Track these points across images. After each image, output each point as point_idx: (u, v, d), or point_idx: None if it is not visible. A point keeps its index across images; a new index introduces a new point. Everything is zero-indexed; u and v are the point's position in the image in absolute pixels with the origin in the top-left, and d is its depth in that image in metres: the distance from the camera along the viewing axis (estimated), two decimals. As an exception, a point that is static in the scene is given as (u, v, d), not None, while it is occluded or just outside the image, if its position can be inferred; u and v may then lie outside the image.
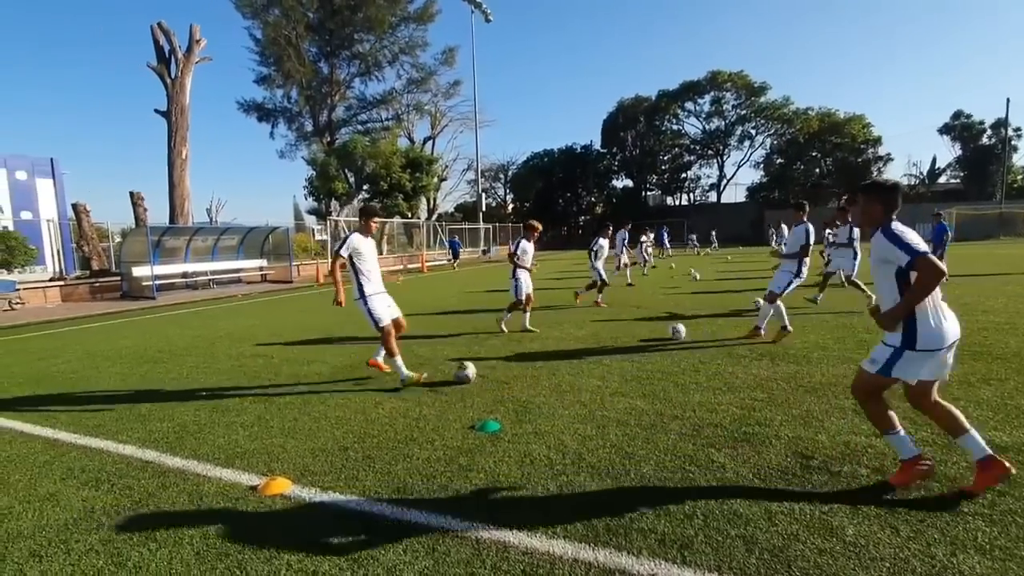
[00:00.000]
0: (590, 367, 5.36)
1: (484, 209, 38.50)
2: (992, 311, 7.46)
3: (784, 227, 26.52)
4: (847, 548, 2.17)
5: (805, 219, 6.28)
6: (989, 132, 43.09)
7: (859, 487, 2.68)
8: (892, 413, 2.68)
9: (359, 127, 37.26)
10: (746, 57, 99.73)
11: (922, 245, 2.43)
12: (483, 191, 41.78)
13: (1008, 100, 38.56)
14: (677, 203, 55.60)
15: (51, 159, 19.56)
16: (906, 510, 2.44)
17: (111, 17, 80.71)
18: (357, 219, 5.02)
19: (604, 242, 10.27)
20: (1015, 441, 3.13)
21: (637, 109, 50.94)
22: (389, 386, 4.91)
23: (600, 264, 10.00)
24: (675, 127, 52.34)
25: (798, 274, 6.16)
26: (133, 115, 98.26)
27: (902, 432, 2.65)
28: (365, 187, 31.40)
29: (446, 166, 42.69)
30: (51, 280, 16.15)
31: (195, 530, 2.52)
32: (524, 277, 7.33)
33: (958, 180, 46.52)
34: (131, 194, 19.90)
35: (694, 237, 32.10)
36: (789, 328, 6.11)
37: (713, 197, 52.93)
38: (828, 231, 12.00)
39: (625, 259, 13.63)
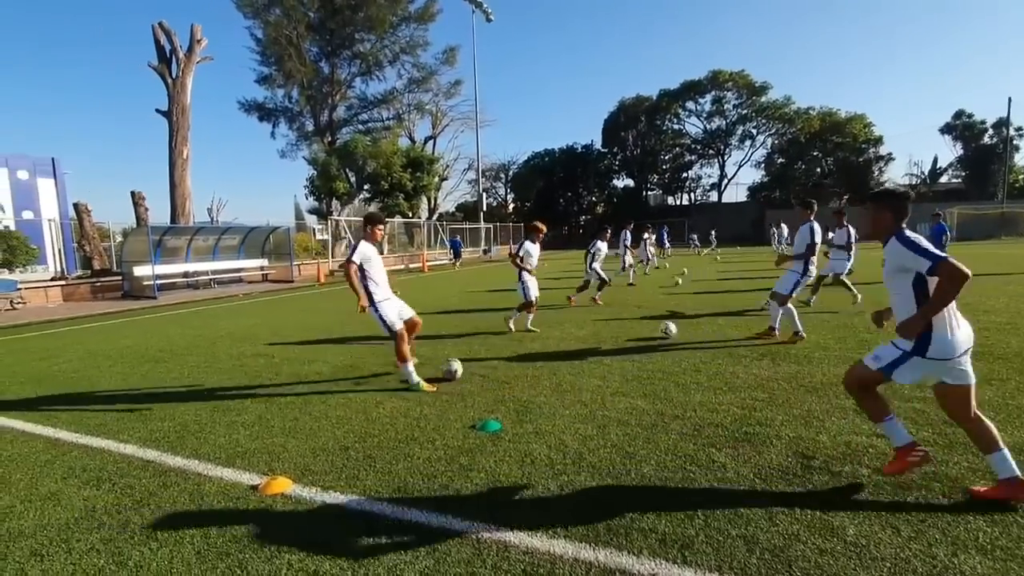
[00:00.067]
0: (591, 367, 5.36)
1: (485, 209, 38.52)
2: (993, 311, 7.45)
3: (784, 226, 26.53)
4: (848, 548, 2.17)
5: (812, 218, 6.15)
6: (991, 132, 43.00)
7: (860, 487, 2.68)
8: (884, 399, 2.69)
9: (360, 127, 37.28)
10: (747, 57, 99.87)
11: (939, 250, 2.38)
12: (484, 191, 41.83)
13: (1010, 99, 38.51)
14: (678, 203, 55.59)
15: (52, 159, 19.61)
16: (907, 510, 2.43)
17: (112, 17, 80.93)
18: (361, 226, 5.02)
19: (602, 245, 10.25)
20: (1016, 441, 3.12)
21: (638, 108, 50.89)
22: (390, 386, 4.92)
23: (597, 265, 9.99)
24: (676, 126, 52.29)
25: (804, 274, 6.06)
26: (134, 115, 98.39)
27: (895, 419, 2.65)
28: (366, 187, 31.42)
29: (447, 166, 42.72)
30: (52, 280, 16.19)
31: (196, 529, 2.52)
32: (529, 279, 7.33)
33: (959, 180, 46.42)
34: (132, 194, 19.93)
35: (695, 237, 32.10)
36: (802, 334, 6.00)
37: (714, 197, 52.89)
38: (829, 233, 11.99)
39: (629, 259, 13.61)
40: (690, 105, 50.27)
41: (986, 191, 41.10)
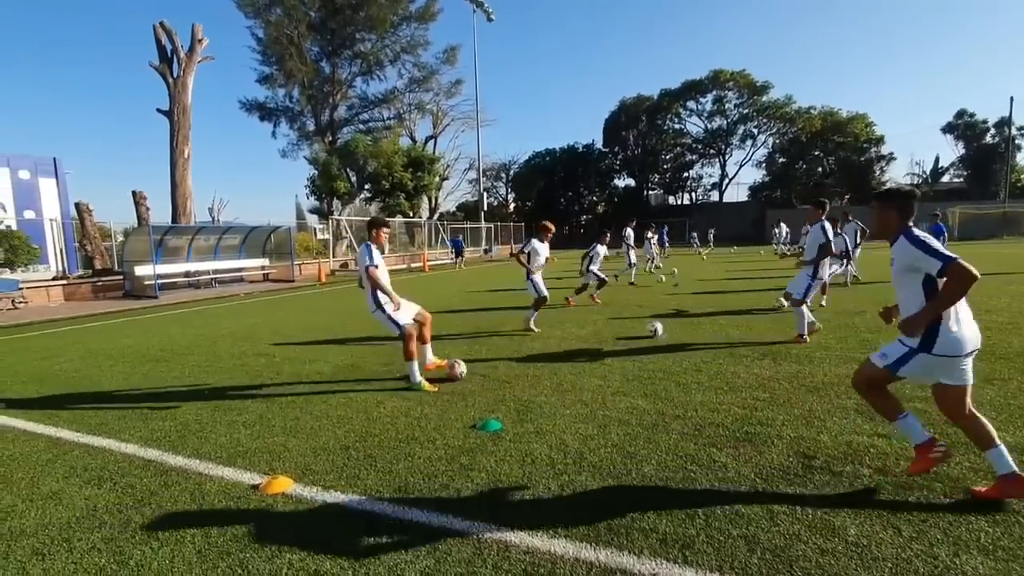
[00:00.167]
0: (592, 366, 5.35)
1: (486, 208, 38.43)
2: (995, 311, 7.43)
3: (783, 226, 26.49)
4: (849, 548, 2.17)
5: (824, 217, 6.03)
6: (992, 131, 42.92)
7: (861, 487, 2.67)
8: (896, 398, 2.66)
9: (361, 126, 37.36)
10: (747, 56, 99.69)
11: (949, 251, 2.37)
12: (485, 190, 41.71)
13: (1012, 99, 38.42)
14: (679, 202, 55.53)
15: (54, 159, 19.58)
16: (908, 510, 2.43)
17: (113, 17, 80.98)
18: (366, 230, 5.06)
19: (601, 249, 10.22)
20: (1018, 441, 3.11)
21: (639, 108, 50.84)
22: (391, 386, 4.92)
23: (595, 268, 9.97)
24: (677, 126, 52.23)
25: (815, 275, 5.94)
26: (135, 115, 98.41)
27: (910, 416, 2.61)
28: (367, 186, 31.45)
29: (448, 165, 42.73)
30: (54, 279, 16.21)
31: (197, 529, 2.53)
32: (537, 277, 7.33)
33: (961, 179, 46.34)
34: (134, 193, 19.95)
35: (695, 236, 32.10)
36: (806, 338, 5.94)
37: (715, 196, 52.85)
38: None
39: (633, 256, 13.59)
40: (691, 105, 50.24)
41: (988, 191, 41.01)
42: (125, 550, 2.38)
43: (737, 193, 56.33)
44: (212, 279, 18.31)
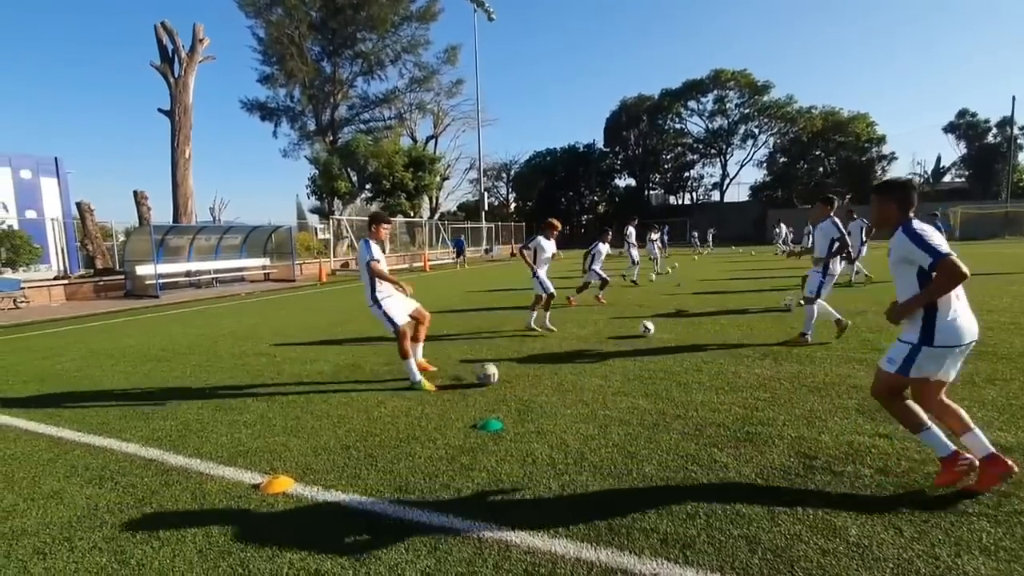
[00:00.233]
0: (592, 366, 5.35)
1: (487, 208, 38.42)
2: (997, 310, 7.42)
3: (783, 226, 26.47)
4: (850, 549, 2.16)
5: (833, 214, 5.97)
6: (994, 131, 42.83)
7: (862, 487, 2.67)
8: (919, 409, 2.59)
9: (362, 126, 37.36)
10: (748, 56, 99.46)
11: (945, 246, 2.37)
12: (486, 190, 41.69)
13: (1014, 98, 38.30)
14: (680, 202, 55.50)
15: (55, 158, 19.61)
16: (910, 511, 2.43)
17: (115, 16, 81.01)
18: (367, 225, 5.08)
19: (603, 247, 10.20)
20: (1020, 441, 3.11)
21: (640, 108, 50.82)
22: (391, 385, 4.92)
23: (597, 267, 9.96)
24: (678, 126, 52.22)
25: (826, 273, 5.89)
26: (137, 114, 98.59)
27: (934, 428, 2.56)
28: (368, 186, 31.46)
29: (449, 165, 42.74)
30: (55, 279, 16.23)
31: (198, 528, 2.53)
32: (543, 274, 7.33)
33: (963, 179, 46.25)
34: (135, 193, 19.99)
35: (696, 236, 32.11)
36: (809, 338, 5.89)
37: (716, 196, 52.80)
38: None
39: (635, 254, 13.59)
40: (692, 104, 50.23)
41: (990, 190, 40.92)
42: (126, 549, 2.38)
43: (738, 193, 56.23)
44: (213, 279, 18.32)
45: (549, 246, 7.41)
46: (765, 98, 46.70)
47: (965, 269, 2.29)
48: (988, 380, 4.29)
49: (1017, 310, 7.47)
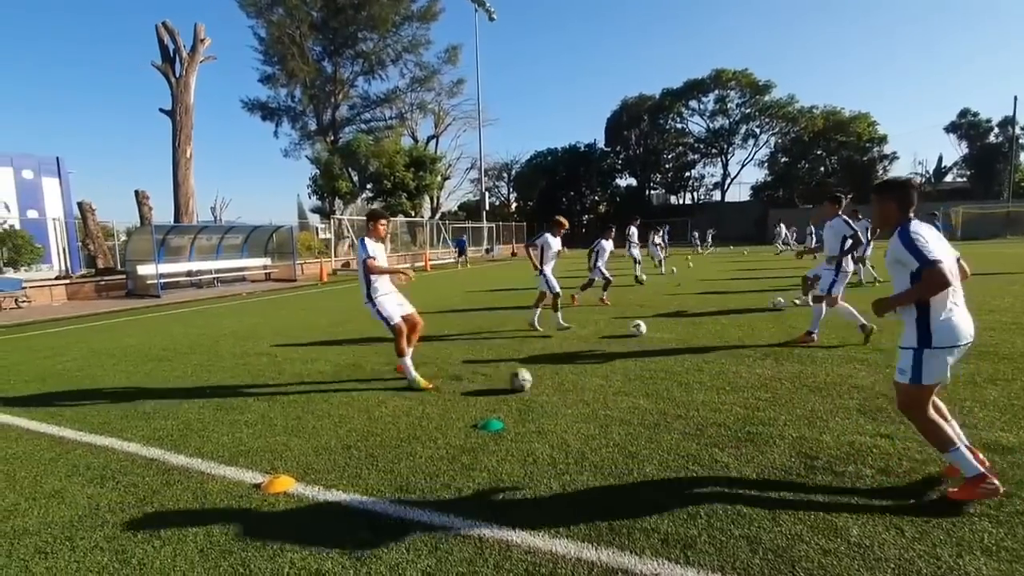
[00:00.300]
0: (593, 366, 5.35)
1: (488, 208, 38.42)
2: (998, 310, 7.41)
3: (783, 226, 26.42)
4: (852, 549, 2.16)
5: (841, 213, 5.92)
6: (996, 131, 42.77)
7: (864, 487, 2.67)
8: (948, 427, 2.52)
9: (363, 126, 37.32)
10: (749, 56, 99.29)
11: (935, 253, 2.36)
12: (487, 190, 41.73)
13: (1015, 98, 38.28)
14: (681, 202, 55.45)
15: (57, 158, 19.65)
16: (911, 511, 2.42)
17: (115, 16, 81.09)
18: (365, 223, 5.07)
19: (607, 244, 10.17)
20: (1022, 442, 3.10)
21: (641, 108, 50.79)
22: (392, 385, 4.92)
23: (601, 264, 9.93)
24: (679, 126, 52.21)
25: (838, 271, 5.81)
26: (138, 114, 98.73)
27: (963, 448, 2.47)
28: (369, 186, 31.47)
29: (450, 165, 42.69)
30: (57, 278, 16.25)
31: (199, 528, 2.53)
32: (548, 272, 7.32)
33: (964, 179, 46.19)
34: (136, 193, 19.99)
35: (696, 235, 32.09)
36: (815, 338, 5.82)
37: (717, 196, 52.76)
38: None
39: (637, 254, 13.58)
40: (693, 104, 50.21)
41: (991, 190, 40.86)
42: (127, 549, 2.39)
43: (739, 193, 56.18)
44: (214, 278, 18.33)
45: (555, 243, 7.44)
46: (766, 98, 46.67)
47: (948, 279, 2.34)
48: (990, 380, 4.28)
49: (1018, 310, 7.45)
